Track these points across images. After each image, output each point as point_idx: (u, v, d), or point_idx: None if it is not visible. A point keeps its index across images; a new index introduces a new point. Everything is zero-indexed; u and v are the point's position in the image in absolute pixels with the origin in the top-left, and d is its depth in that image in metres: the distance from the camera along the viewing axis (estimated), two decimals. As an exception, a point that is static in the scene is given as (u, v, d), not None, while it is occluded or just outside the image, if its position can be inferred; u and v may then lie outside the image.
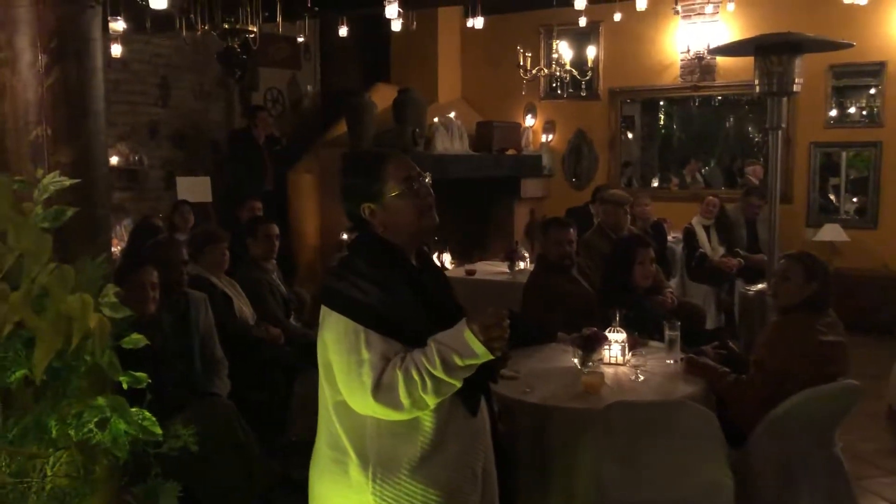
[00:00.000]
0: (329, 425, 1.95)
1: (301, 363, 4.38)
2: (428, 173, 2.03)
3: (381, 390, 1.80)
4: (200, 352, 3.70)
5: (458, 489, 1.91)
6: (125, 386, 1.68)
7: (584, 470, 2.81)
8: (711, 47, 7.66)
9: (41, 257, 0.80)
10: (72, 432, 1.61)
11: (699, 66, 8.35)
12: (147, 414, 1.67)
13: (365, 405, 1.83)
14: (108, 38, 5.90)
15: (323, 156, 7.70)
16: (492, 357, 1.81)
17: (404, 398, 1.79)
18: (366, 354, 1.82)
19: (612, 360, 3.41)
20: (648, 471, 2.75)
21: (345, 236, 7.26)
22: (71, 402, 1.60)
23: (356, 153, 2.16)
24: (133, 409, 1.64)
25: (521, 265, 6.24)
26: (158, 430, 1.69)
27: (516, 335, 1.90)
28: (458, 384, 1.84)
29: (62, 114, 1.82)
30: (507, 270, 6.28)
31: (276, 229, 4.84)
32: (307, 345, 4.50)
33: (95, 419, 1.63)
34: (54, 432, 1.59)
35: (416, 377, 1.79)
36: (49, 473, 1.59)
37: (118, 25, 5.44)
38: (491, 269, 6.54)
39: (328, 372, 1.92)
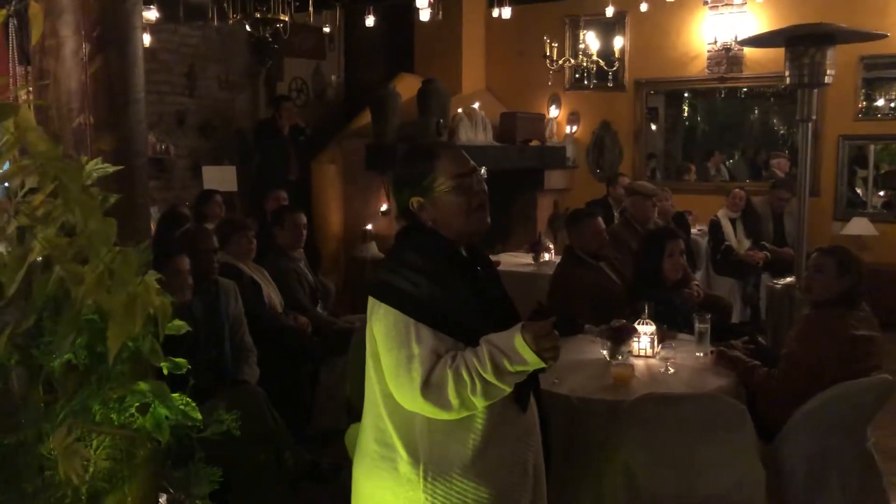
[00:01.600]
0: (377, 420, 1.92)
1: (327, 352, 4.41)
2: (483, 168, 1.99)
3: (430, 388, 1.77)
4: (230, 339, 3.73)
5: (509, 486, 1.89)
6: (165, 371, 1.70)
7: (614, 462, 2.80)
8: (739, 38, 7.59)
9: (108, 239, 0.81)
10: (114, 416, 1.63)
11: (726, 58, 8.27)
12: (188, 399, 1.69)
13: (412, 402, 1.81)
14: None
15: (346, 146, 7.71)
16: (543, 366, 1.79)
17: (453, 398, 1.77)
18: (416, 349, 1.79)
19: (642, 353, 3.41)
20: (678, 464, 2.74)
21: (369, 226, 7.30)
22: (114, 386, 1.62)
23: (413, 145, 2.14)
24: (175, 395, 1.66)
25: (546, 256, 6.23)
26: (198, 416, 1.71)
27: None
28: (508, 389, 1.81)
29: (104, 102, 1.83)
30: (532, 262, 6.27)
31: (303, 218, 4.87)
32: (334, 334, 4.53)
33: (137, 404, 1.65)
34: (98, 416, 1.61)
35: (465, 378, 1.76)
36: (93, 456, 1.62)
37: (151, 15, 5.47)
38: (515, 260, 6.53)
39: (377, 365, 1.89)
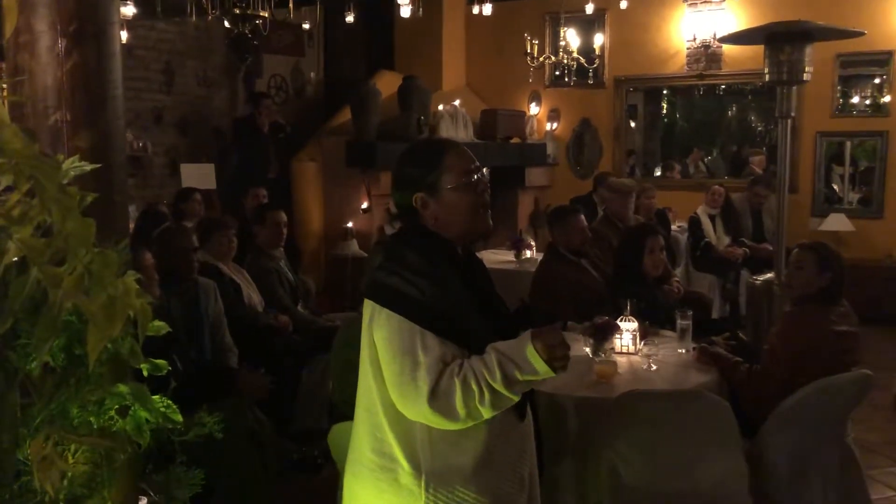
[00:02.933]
0: (374, 430, 1.85)
1: (309, 351, 4.38)
2: (485, 168, 1.93)
3: (438, 398, 1.71)
4: (210, 338, 3.69)
5: (507, 495, 1.86)
6: (145, 373, 1.67)
7: (598, 459, 2.80)
8: (718, 36, 7.64)
9: (87, 240, 0.78)
10: (93, 419, 1.60)
11: (705, 55, 8.31)
12: (168, 401, 1.66)
13: (417, 411, 1.75)
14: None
15: (326, 144, 7.67)
16: (553, 375, 1.74)
17: (460, 408, 1.71)
18: (422, 357, 1.73)
19: (624, 350, 3.41)
20: (663, 460, 2.74)
21: (350, 224, 7.26)
22: (92, 389, 1.59)
23: (416, 142, 2.06)
24: (155, 397, 1.63)
25: (528, 254, 6.23)
26: (179, 418, 1.68)
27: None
28: (516, 399, 1.77)
29: (81, 98, 1.80)
30: (514, 259, 6.26)
31: (283, 217, 4.82)
32: (315, 332, 4.50)
33: (116, 406, 1.62)
34: (76, 420, 1.58)
35: (474, 387, 1.71)
36: (71, 460, 1.59)
37: (128, 10, 5.40)
38: (496, 257, 6.52)
39: (377, 372, 1.82)
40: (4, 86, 1.74)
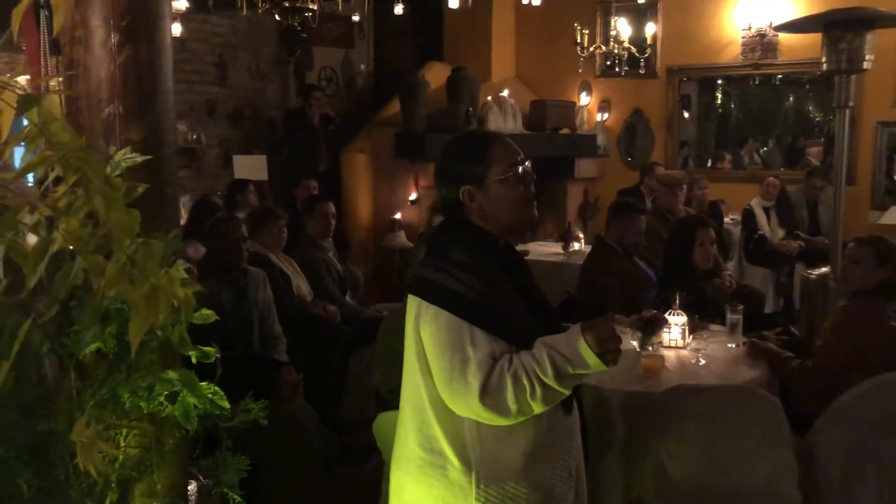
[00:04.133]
0: (422, 426, 1.85)
1: (356, 341, 4.42)
2: (529, 159, 1.92)
3: (489, 394, 1.70)
4: (259, 327, 3.75)
5: (557, 489, 1.85)
6: (194, 360, 1.71)
7: (644, 454, 2.78)
8: (775, 24, 7.45)
9: (131, 231, 0.80)
10: (143, 405, 1.65)
11: (761, 44, 8.11)
12: (216, 388, 1.70)
13: (467, 408, 1.75)
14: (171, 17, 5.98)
15: (375, 135, 7.71)
16: (605, 369, 1.73)
17: (512, 403, 1.71)
18: (472, 353, 1.72)
19: (672, 344, 3.37)
20: (710, 456, 2.71)
21: (398, 215, 7.30)
22: (143, 375, 1.63)
23: (462, 135, 2.06)
24: (203, 384, 1.67)
25: (576, 246, 6.18)
26: (226, 405, 1.72)
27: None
28: (567, 393, 1.77)
29: (133, 92, 1.84)
30: (562, 251, 6.23)
31: (332, 208, 4.87)
32: (362, 322, 4.54)
33: (166, 392, 1.66)
34: (127, 405, 1.63)
35: (525, 382, 1.70)
36: (122, 444, 1.64)
37: (180, 4, 5.50)
38: (543, 249, 6.50)
39: (424, 368, 1.81)
40: (60, 80, 1.79)
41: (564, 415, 1.88)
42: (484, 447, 1.79)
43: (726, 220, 7.07)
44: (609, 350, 1.71)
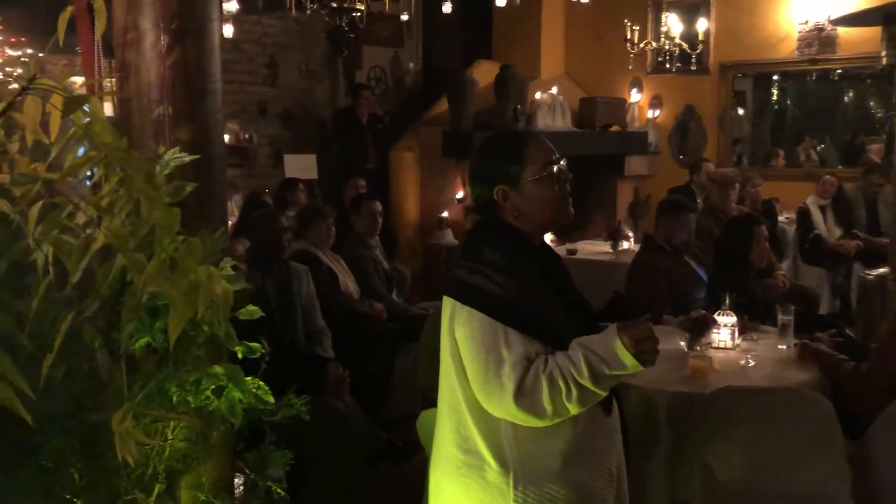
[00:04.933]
0: (459, 427, 1.84)
1: (402, 339, 4.45)
2: (564, 158, 1.90)
3: (524, 395, 1.70)
4: (303, 321, 3.80)
5: (597, 490, 1.84)
6: (240, 355, 1.74)
7: (690, 456, 2.74)
8: (833, 17, 7.27)
9: (171, 229, 0.83)
10: (190, 399, 1.69)
11: (818, 39, 7.91)
12: (261, 383, 1.73)
13: (502, 409, 1.74)
14: (221, 18, 6.10)
15: (423, 134, 7.74)
16: (642, 369, 1.71)
17: (547, 405, 1.69)
18: (506, 355, 1.71)
19: (721, 345, 3.31)
20: (759, 460, 2.65)
21: (445, 214, 7.32)
22: (190, 369, 1.67)
23: (496, 135, 2.06)
24: (248, 378, 1.71)
25: (626, 245, 6.12)
26: (271, 399, 1.75)
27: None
28: (604, 394, 1.75)
29: (182, 93, 1.89)
30: (611, 250, 6.17)
31: (379, 206, 4.91)
32: (409, 320, 4.57)
33: (212, 387, 1.70)
34: (175, 398, 1.67)
35: (560, 384, 1.69)
36: (170, 437, 1.68)
37: (231, 6, 5.61)
38: (592, 248, 6.45)
39: (459, 369, 1.81)
40: (111, 81, 1.84)
41: (604, 415, 1.87)
42: (521, 448, 1.78)
43: (780, 218, 6.92)
44: (646, 350, 1.69)
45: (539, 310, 1.78)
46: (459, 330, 1.79)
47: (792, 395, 2.77)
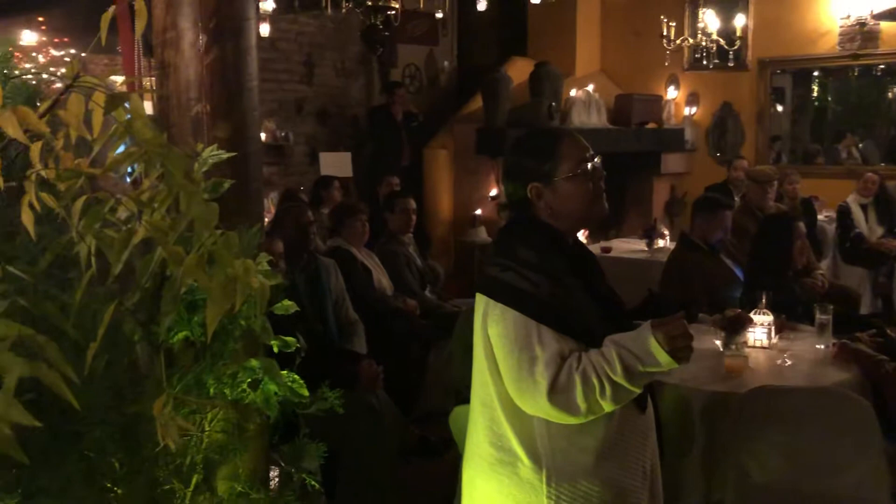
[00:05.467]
0: (492, 423, 1.85)
1: (436, 335, 4.47)
2: (598, 155, 1.90)
3: (558, 392, 1.70)
4: (334, 314, 3.84)
5: (630, 488, 1.83)
6: (276, 349, 1.77)
7: (725, 456, 2.71)
8: (875, 12, 7.13)
9: (209, 224, 0.85)
10: (227, 391, 1.72)
11: (860, 33, 7.76)
12: (296, 376, 1.76)
13: (536, 406, 1.74)
14: (258, 17, 6.17)
15: (458, 131, 7.75)
16: (676, 367, 1.70)
17: (581, 402, 1.69)
18: (539, 352, 1.72)
19: (758, 344, 3.27)
20: (794, 460, 2.62)
21: (478, 211, 7.33)
22: (227, 362, 1.70)
23: (529, 131, 2.07)
24: (283, 372, 1.73)
25: (661, 243, 6.07)
26: (306, 393, 1.78)
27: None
28: (638, 391, 1.74)
29: (220, 91, 1.91)
30: (646, 248, 6.12)
31: (412, 203, 4.93)
32: (442, 317, 4.59)
33: (249, 380, 1.73)
34: (212, 391, 1.70)
35: (594, 381, 1.69)
36: (207, 429, 1.71)
37: (268, 5, 5.67)
38: (628, 246, 6.40)
39: (493, 366, 1.81)
40: (151, 79, 1.88)
41: (639, 413, 1.86)
42: (554, 445, 1.78)
43: (820, 217, 6.81)
44: (680, 347, 1.68)
45: (572, 308, 1.77)
46: (493, 327, 1.79)
47: (830, 395, 2.73)
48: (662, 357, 1.68)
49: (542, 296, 1.75)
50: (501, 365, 1.79)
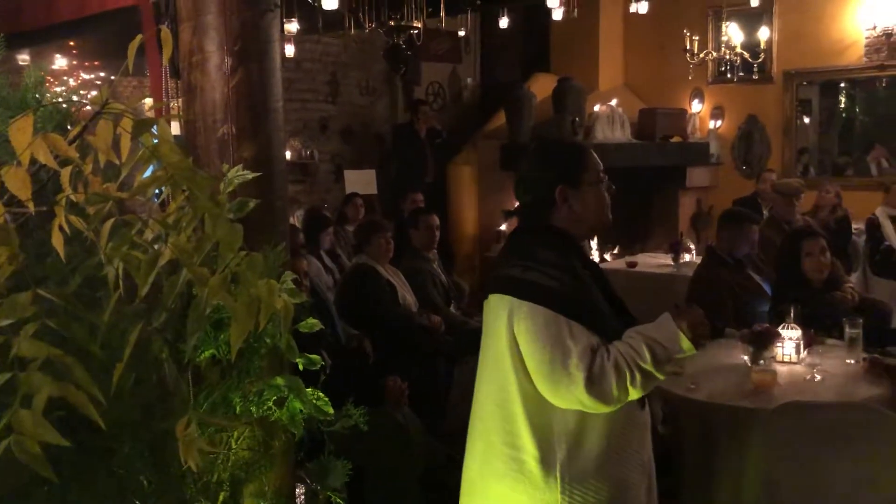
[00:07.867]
0: (505, 422, 1.90)
1: (461, 352, 4.46)
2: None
3: (594, 383, 1.77)
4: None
5: (633, 482, 1.92)
6: (301, 367, 1.79)
7: (754, 472, 2.68)
8: (902, 22, 7.06)
9: (234, 245, 0.87)
10: (253, 409, 1.74)
11: (887, 44, 7.69)
12: (321, 394, 1.78)
13: (572, 398, 1.80)
14: (283, 38, 6.26)
15: (482, 148, 7.78)
16: (695, 352, 1.83)
17: (615, 390, 1.78)
18: (572, 346, 1.79)
19: (786, 359, 3.23)
20: (824, 478, 2.58)
21: (503, 227, 7.32)
22: (253, 380, 1.72)
23: (545, 142, 2.21)
24: (308, 390, 1.75)
25: (687, 257, 6.02)
26: (331, 410, 1.79)
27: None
28: (663, 378, 1.84)
29: (245, 112, 1.95)
30: (671, 263, 6.08)
31: (436, 220, 4.95)
32: (467, 333, 4.58)
33: (274, 398, 1.75)
34: (238, 408, 1.72)
35: (626, 370, 1.78)
36: (234, 446, 1.73)
37: (292, 27, 5.75)
38: (653, 261, 6.36)
39: (516, 364, 1.86)
40: (178, 102, 1.91)
41: (639, 410, 1.94)
42: (569, 443, 1.85)
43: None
44: (700, 334, 1.83)
45: (592, 305, 1.88)
46: (520, 325, 1.84)
47: (861, 410, 2.69)
48: (685, 344, 1.80)
49: (569, 293, 1.84)
50: (530, 361, 1.84)
